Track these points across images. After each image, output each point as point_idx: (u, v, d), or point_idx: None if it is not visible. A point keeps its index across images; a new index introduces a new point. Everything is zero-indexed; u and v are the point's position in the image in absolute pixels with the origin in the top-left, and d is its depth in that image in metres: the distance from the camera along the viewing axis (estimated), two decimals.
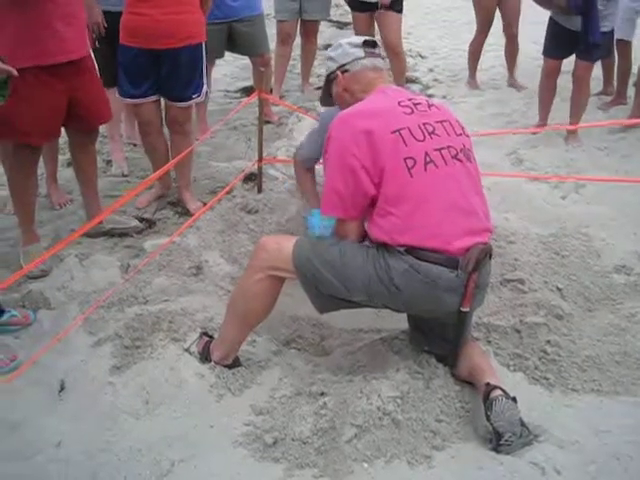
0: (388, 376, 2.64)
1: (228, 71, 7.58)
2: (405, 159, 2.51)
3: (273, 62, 6.15)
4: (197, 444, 2.51)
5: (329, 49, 3.06)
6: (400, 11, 6.01)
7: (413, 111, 2.63)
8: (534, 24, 7.27)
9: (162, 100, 4.26)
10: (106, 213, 3.40)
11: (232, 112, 4.74)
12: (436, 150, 2.56)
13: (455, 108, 6.23)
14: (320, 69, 7.07)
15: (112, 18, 4.17)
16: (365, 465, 2.35)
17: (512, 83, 6.97)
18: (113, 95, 4.34)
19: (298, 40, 6.57)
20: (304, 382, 2.79)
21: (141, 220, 4.21)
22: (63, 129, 3.77)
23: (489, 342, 3.02)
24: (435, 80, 7.34)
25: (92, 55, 3.75)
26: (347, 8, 6.99)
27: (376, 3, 5.87)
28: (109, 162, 5.10)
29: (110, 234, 4.02)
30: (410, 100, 2.69)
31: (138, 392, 2.74)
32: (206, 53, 4.23)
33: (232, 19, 5.30)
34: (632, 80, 6.15)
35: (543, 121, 5.68)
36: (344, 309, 2.80)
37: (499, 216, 4.06)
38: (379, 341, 3.03)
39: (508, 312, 3.21)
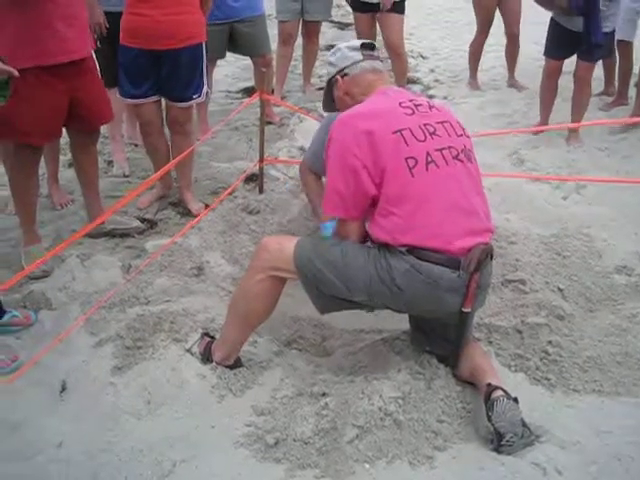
0: (389, 377, 2.64)
1: (229, 72, 7.58)
2: (406, 159, 2.51)
3: (274, 63, 6.14)
4: (198, 444, 2.51)
5: (329, 54, 3.07)
6: (402, 12, 6.01)
7: (414, 112, 2.63)
8: (535, 24, 7.27)
9: (163, 100, 4.27)
10: (108, 214, 3.41)
11: (233, 113, 4.74)
12: (437, 150, 2.57)
13: (456, 109, 6.23)
14: (321, 70, 7.06)
15: (113, 18, 4.17)
16: (367, 466, 2.35)
17: (512, 83, 6.96)
18: (114, 95, 4.34)
19: (300, 41, 6.57)
20: (305, 383, 2.79)
21: (142, 221, 4.21)
22: (64, 129, 3.77)
23: (490, 343, 3.02)
24: (436, 81, 7.34)
25: (93, 55, 3.75)
26: (349, 9, 6.99)
27: (378, 4, 5.87)
28: (110, 162, 5.10)
29: (111, 234, 4.02)
30: (411, 101, 2.69)
31: (139, 392, 2.74)
32: (207, 53, 4.23)
33: (233, 19, 5.30)
34: (633, 81, 6.15)
35: (544, 122, 5.68)
36: (345, 310, 2.80)
37: (500, 216, 4.06)
38: (380, 342, 3.03)
39: (509, 313, 3.21)
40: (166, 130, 4.39)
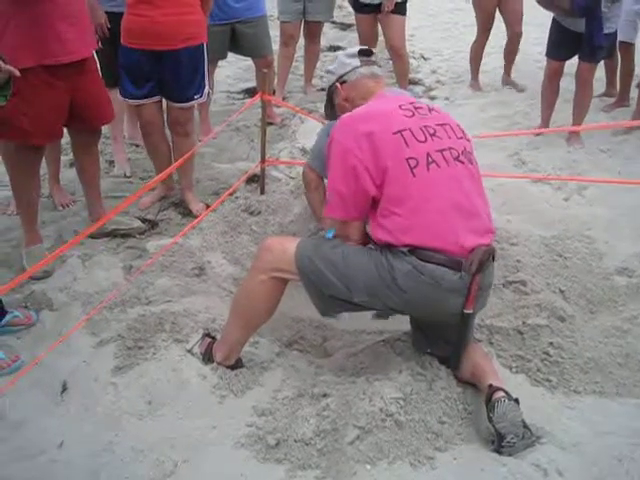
0: (390, 377, 2.64)
1: (231, 72, 7.58)
2: (407, 159, 2.52)
3: (276, 63, 6.15)
4: (199, 445, 2.51)
5: (328, 64, 3.09)
6: (404, 13, 6.02)
7: (414, 114, 2.65)
8: (536, 26, 7.30)
9: (164, 101, 4.27)
10: (110, 216, 3.40)
11: (235, 114, 4.74)
12: (438, 151, 2.57)
13: (458, 110, 6.24)
14: (323, 71, 7.07)
15: (115, 19, 4.18)
16: (368, 466, 2.35)
17: (508, 82, 7.00)
18: (115, 96, 4.34)
19: (301, 41, 6.57)
20: (306, 383, 2.79)
21: (144, 221, 4.20)
22: (65, 130, 3.77)
23: (491, 344, 3.02)
24: (438, 82, 7.34)
25: (94, 55, 3.75)
26: (350, 9, 6.99)
27: (379, 5, 5.87)
28: (112, 163, 5.10)
29: (113, 235, 4.02)
30: (411, 104, 2.71)
31: (140, 393, 2.74)
32: (208, 54, 4.23)
33: (235, 20, 5.31)
34: (634, 82, 6.15)
35: (545, 123, 5.68)
36: (347, 311, 2.81)
37: (501, 218, 4.06)
38: (381, 343, 3.03)
39: (510, 314, 3.22)
40: (167, 130, 4.39)
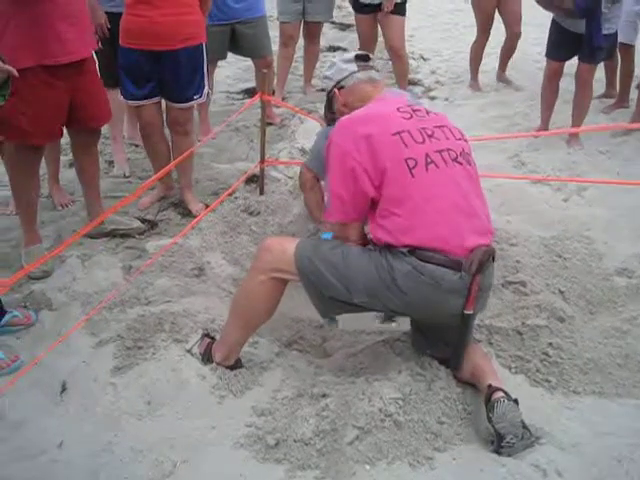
0: (390, 378, 2.64)
1: (230, 73, 7.58)
2: (406, 160, 2.52)
3: (275, 64, 6.15)
4: (199, 445, 2.51)
5: (325, 69, 3.10)
6: (403, 14, 6.02)
7: (412, 116, 2.66)
8: (535, 26, 7.31)
9: (163, 101, 4.27)
10: (107, 214, 3.41)
11: (235, 114, 4.74)
12: (436, 152, 2.58)
13: (457, 110, 6.25)
14: (322, 71, 7.06)
15: (114, 19, 4.17)
16: (367, 467, 2.35)
17: (502, 78, 7.04)
18: (115, 96, 4.34)
19: (301, 42, 6.57)
20: (306, 384, 2.79)
21: (143, 221, 4.20)
22: (65, 130, 3.77)
23: (491, 344, 3.02)
24: (437, 82, 7.34)
25: (93, 55, 3.75)
26: (350, 10, 6.99)
27: (379, 5, 5.88)
28: (111, 163, 5.10)
29: (112, 235, 4.02)
30: (409, 106, 2.72)
31: (140, 393, 2.74)
32: (208, 54, 4.23)
33: (234, 21, 5.31)
34: (634, 83, 6.16)
35: (545, 123, 5.68)
36: (346, 313, 2.81)
37: (501, 218, 4.06)
38: (381, 343, 3.03)
39: (510, 314, 3.22)
40: (166, 131, 4.39)
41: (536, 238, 3.93)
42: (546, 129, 5.62)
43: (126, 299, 3.32)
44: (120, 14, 4.04)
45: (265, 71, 4.54)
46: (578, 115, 5.41)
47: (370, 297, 2.55)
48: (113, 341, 3.02)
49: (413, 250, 2.47)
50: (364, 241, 2.74)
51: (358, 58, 2.94)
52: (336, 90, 2.94)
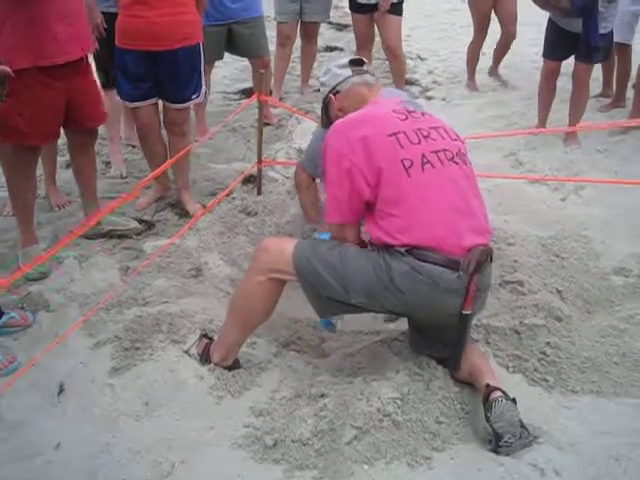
0: (388, 378, 2.64)
1: (227, 73, 7.57)
2: (402, 160, 2.53)
3: (273, 64, 6.15)
4: (197, 446, 2.51)
5: (321, 76, 3.11)
6: (400, 14, 6.02)
7: (407, 117, 2.67)
8: (532, 25, 7.30)
9: (160, 102, 4.26)
10: (103, 215, 3.40)
11: (232, 114, 4.74)
12: (432, 152, 2.59)
13: (454, 110, 6.25)
14: (320, 71, 7.07)
15: (110, 19, 4.17)
16: (365, 467, 2.35)
17: (493, 73, 7.09)
18: (112, 96, 4.34)
19: (298, 42, 6.57)
20: (304, 384, 2.79)
21: (140, 222, 4.20)
22: (62, 130, 3.76)
23: (488, 343, 3.02)
24: (434, 82, 7.33)
25: (89, 55, 3.74)
26: (347, 10, 6.99)
27: (376, 4, 5.88)
28: (108, 164, 5.09)
29: (109, 236, 4.01)
30: (404, 108, 2.73)
31: (138, 394, 2.74)
32: (205, 55, 4.23)
33: (231, 21, 5.30)
34: (631, 83, 6.16)
35: (542, 123, 5.68)
36: (344, 313, 2.81)
37: (499, 218, 4.06)
38: (379, 343, 3.03)
39: (507, 314, 3.22)
40: (163, 131, 4.39)
41: (533, 238, 3.93)
42: (543, 128, 5.62)
43: (123, 300, 3.32)
44: (116, 14, 4.03)
45: (262, 71, 4.54)
46: (575, 114, 5.42)
47: (368, 297, 2.55)
48: (111, 342, 3.02)
49: (411, 250, 2.47)
50: (361, 243, 2.74)
51: (352, 63, 2.95)
52: (332, 95, 2.95)
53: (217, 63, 5.92)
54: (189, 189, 4.49)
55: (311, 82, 6.87)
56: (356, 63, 2.95)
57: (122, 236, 4.04)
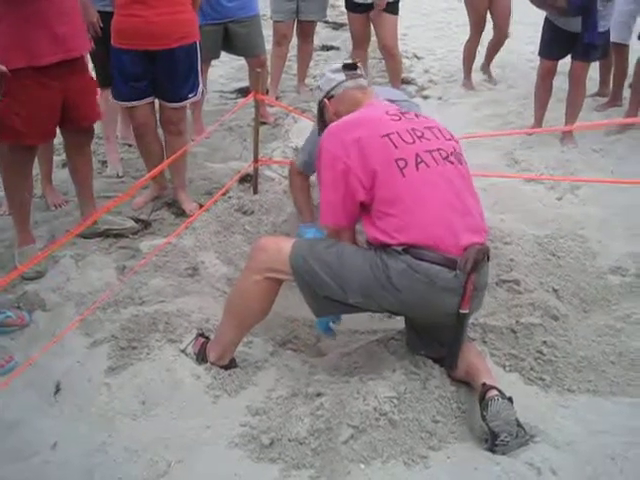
0: (384, 377, 2.64)
1: (224, 72, 7.57)
2: (396, 160, 2.54)
3: (269, 63, 6.14)
4: (193, 445, 2.51)
5: (317, 75, 3.12)
6: (396, 13, 6.03)
7: (401, 118, 2.70)
8: (528, 25, 7.31)
9: (156, 101, 4.26)
10: (100, 214, 3.40)
11: (228, 113, 4.73)
12: (427, 152, 2.60)
13: (451, 109, 6.26)
14: (316, 70, 7.08)
15: (106, 18, 4.15)
16: (362, 466, 2.35)
17: (485, 69, 7.12)
18: (109, 96, 4.33)
19: (294, 41, 6.56)
20: (300, 383, 2.79)
21: (137, 221, 4.19)
22: (58, 130, 3.75)
23: (485, 342, 3.03)
24: (430, 81, 7.34)
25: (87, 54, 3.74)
26: (343, 9, 6.98)
27: (372, 4, 5.88)
28: (104, 163, 5.08)
29: (106, 235, 4.00)
30: (398, 110, 2.76)
31: (134, 393, 2.74)
32: (201, 54, 4.22)
33: (228, 20, 5.30)
34: (627, 82, 6.17)
35: (538, 122, 5.69)
36: (341, 313, 2.80)
37: (495, 217, 4.07)
38: (375, 342, 3.03)
39: (504, 313, 3.22)
40: (159, 130, 4.38)
41: (530, 237, 3.93)
42: (539, 128, 5.63)
43: (120, 299, 3.31)
44: (111, 13, 4.02)
45: (259, 70, 4.54)
46: (571, 113, 5.42)
47: (365, 296, 2.56)
48: (107, 341, 3.02)
49: (408, 248, 2.48)
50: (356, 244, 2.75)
51: (346, 67, 2.96)
52: (326, 100, 2.96)
53: (213, 62, 5.92)
54: (185, 188, 4.49)
55: (307, 81, 6.86)
56: (349, 67, 2.96)
57: (118, 235, 4.03)
